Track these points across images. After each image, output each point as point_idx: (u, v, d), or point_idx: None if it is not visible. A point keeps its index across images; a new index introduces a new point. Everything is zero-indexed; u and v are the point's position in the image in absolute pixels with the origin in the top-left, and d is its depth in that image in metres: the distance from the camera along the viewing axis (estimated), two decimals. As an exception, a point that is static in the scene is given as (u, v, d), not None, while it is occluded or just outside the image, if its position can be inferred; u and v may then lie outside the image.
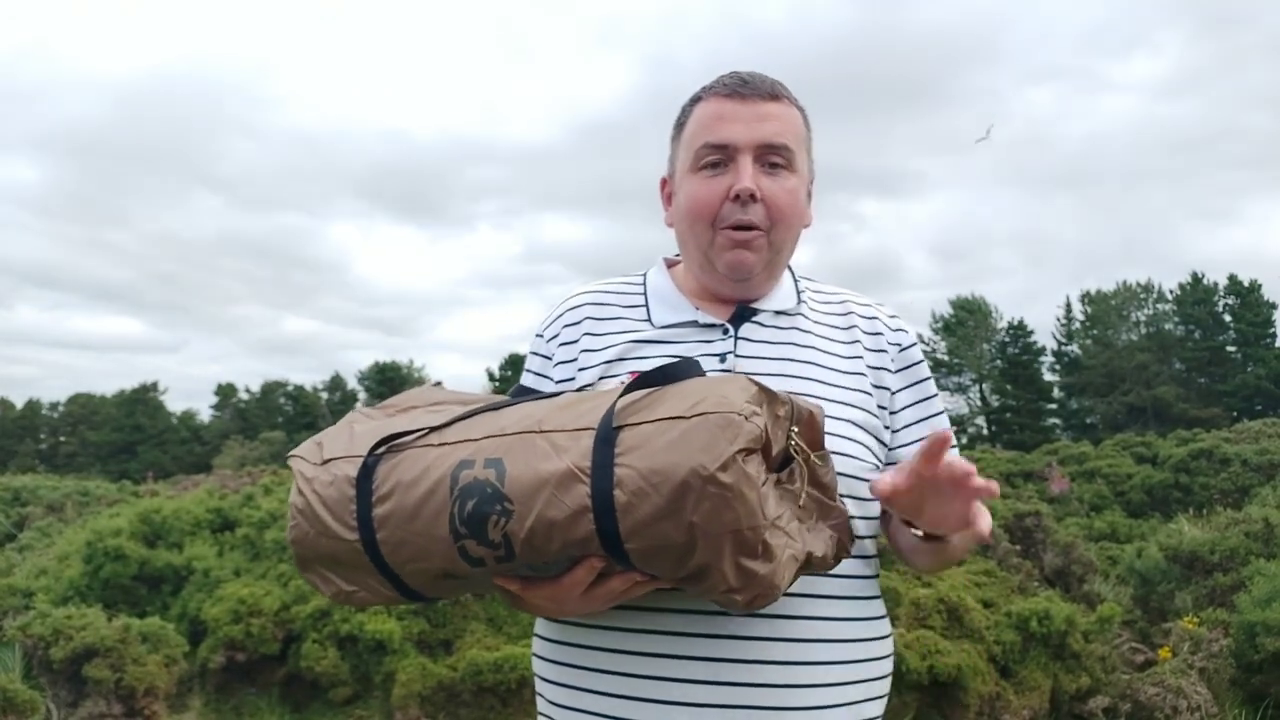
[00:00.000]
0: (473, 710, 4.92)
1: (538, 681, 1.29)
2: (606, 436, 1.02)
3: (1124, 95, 76.57)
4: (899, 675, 4.30)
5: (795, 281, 1.40)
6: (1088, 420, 44.97)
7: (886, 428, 1.34)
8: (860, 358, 1.34)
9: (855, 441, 1.27)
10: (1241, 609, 4.84)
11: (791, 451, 1.09)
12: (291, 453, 1.17)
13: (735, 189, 1.24)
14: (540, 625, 1.30)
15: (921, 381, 1.38)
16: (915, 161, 79.15)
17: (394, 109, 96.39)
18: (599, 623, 1.20)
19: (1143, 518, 9.73)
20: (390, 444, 1.12)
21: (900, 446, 1.35)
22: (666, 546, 0.99)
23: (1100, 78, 75.40)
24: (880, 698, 1.27)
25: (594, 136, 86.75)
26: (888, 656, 1.30)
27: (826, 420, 1.17)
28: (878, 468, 1.29)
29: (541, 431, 1.06)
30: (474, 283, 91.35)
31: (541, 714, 1.28)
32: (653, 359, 1.25)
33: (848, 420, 1.28)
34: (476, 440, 1.08)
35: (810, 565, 1.09)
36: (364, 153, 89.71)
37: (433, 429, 1.12)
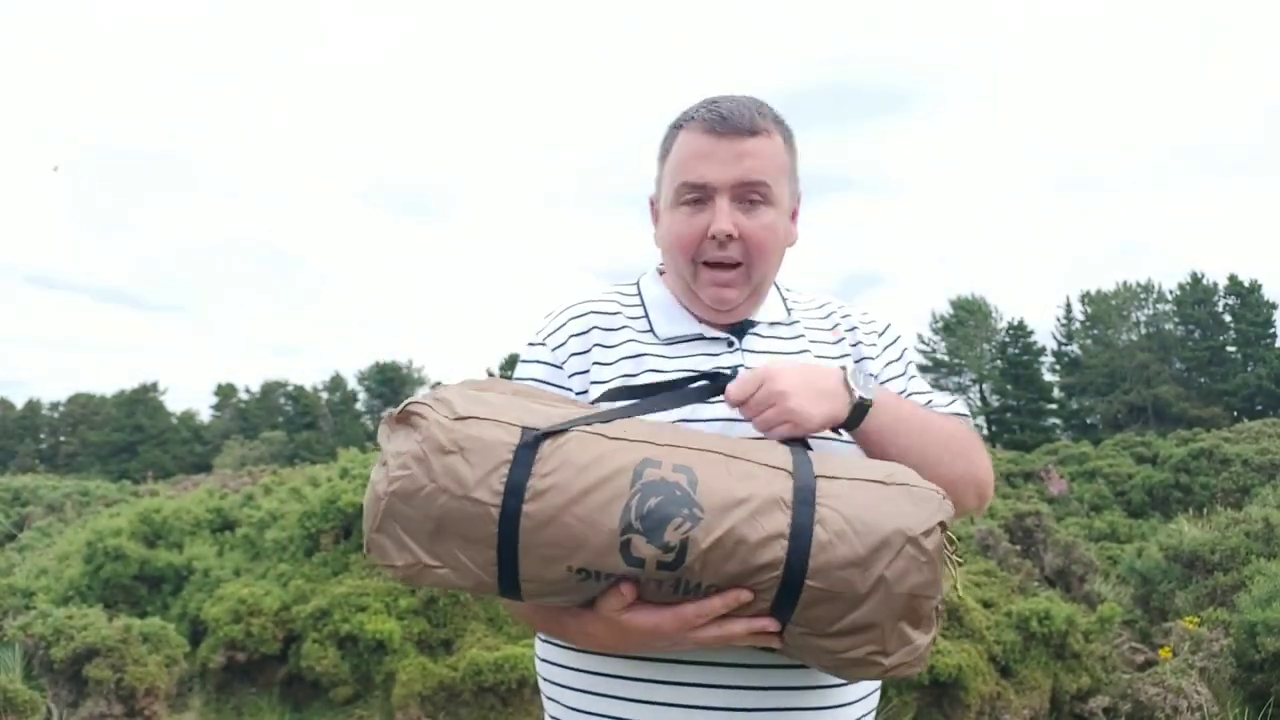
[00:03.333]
0: (473, 710, 4.92)
1: (552, 688, 1.30)
2: (807, 483, 1.04)
3: (1120, 99, 76.67)
4: (899, 675, 4.30)
5: (780, 292, 1.43)
6: (1088, 420, 44.98)
7: None
8: (846, 355, 1.39)
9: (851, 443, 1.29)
10: (1242, 609, 4.85)
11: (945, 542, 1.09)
12: (413, 400, 1.08)
13: (712, 230, 1.26)
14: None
15: (901, 356, 1.43)
16: (915, 164, 79.25)
17: (395, 110, 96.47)
18: None
19: (1143, 518, 9.74)
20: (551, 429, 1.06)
21: None
22: (844, 595, 1.00)
23: (1097, 81, 75.52)
24: (871, 694, 1.31)
25: (595, 140, 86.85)
26: None
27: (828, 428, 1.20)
28: None
29: (732, 456, 1.06)
30: (474, 284, 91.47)
31: (554, 717, 1.30)
32: (666, 373, 1.28)
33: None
34: (658, 444, 1.05)
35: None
36: (366, 154, 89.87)
37: (596, 419, 1.08)
